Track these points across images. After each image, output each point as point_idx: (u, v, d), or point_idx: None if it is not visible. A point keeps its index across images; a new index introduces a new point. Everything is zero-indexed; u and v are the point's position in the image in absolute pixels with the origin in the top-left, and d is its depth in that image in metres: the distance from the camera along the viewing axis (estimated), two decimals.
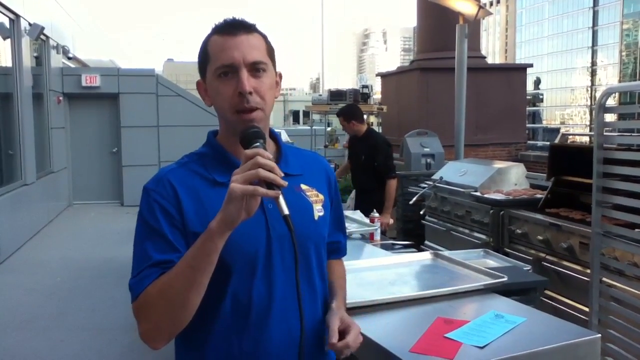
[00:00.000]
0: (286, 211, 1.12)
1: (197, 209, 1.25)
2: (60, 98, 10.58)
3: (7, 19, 7.78)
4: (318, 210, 1.37)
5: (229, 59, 1.25)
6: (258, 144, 1.18)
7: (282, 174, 1.12)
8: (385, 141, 5.24)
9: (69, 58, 11.32)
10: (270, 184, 1.11)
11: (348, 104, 5.73)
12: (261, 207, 1.22)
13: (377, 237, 3.33)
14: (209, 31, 1.33)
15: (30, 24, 8.43)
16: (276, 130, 1.47)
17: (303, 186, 1.37)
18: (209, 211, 1.21)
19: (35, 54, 9.37)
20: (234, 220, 1.12)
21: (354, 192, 5.41)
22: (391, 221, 3.55)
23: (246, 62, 1.26)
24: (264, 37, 1.33)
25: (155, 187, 1.28)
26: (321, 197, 1.40)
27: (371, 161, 5.00)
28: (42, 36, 9.14)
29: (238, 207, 1.10)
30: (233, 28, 1.28)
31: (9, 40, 7.89)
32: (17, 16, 7.99)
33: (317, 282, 1.37)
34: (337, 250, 1.56)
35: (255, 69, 1.27)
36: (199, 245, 1.14)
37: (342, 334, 1.32)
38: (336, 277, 1.53)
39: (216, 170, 1.30)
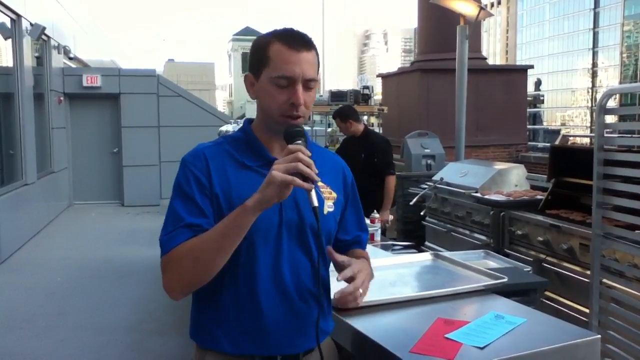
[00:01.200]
0: (316, 203, 1.31)
1: (223, 183, 1.42)
2: (61, 98, 10.58)
3: (9, 19, 7.78)
4: (329, 207, 1.53)
5: (290, 73, 1.40)
6: (300, 141, 1.35)
7: (317, 171, 1.30)
8: (384, 139, 5.30)
9: (70, 58, 11.33)
10: (305, 178, 1.27)
11: (342, 105, 5.78)
12: None
13: (378, 237, 3.33)
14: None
15: (31, 24, 8.44)
16: None
17: (319, 183, 1.50)
18: (233, 188, 1.41)
19: (36, 54, 9.37)
20: (269, 201, 1.29)
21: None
22: (391, 217, 3.55)
23: (303, 78, 1.41)
24: (317, 53, 1.48)
25: (192, 160, 1.45)
26: (334, 195, 1.57)
27: (371, 159, 5.03)
28: (43, 36, 9.15)
29: (275, 192, 1.28)
30: (298, 44, 1.41)
31: (10, 40, 7.90)
32: (19, 16, 7.99)
33: (315, 262, 1.50)
34: (359, 242, 1.74)
35: (308, 84, 1.43)
36: (234, 217, 1.32)
37: (352, 277, 1.55)
38: (362, 252, 1.73)
39: (246, 155, 1.47)
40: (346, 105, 6.06)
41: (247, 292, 1.43)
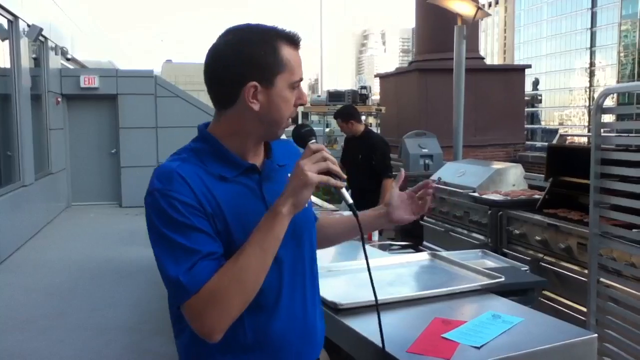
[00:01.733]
0: (350, 200, 1.30)
1: (210, 202, 1.25)
2: (59, 99, 10.57)
3: (6, 20, 7.77)
4: None
5: (301, 75, 1.34)
6: (314, 140, 1.31)
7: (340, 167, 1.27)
8: (382, 140, 5.29)
9: (68, 59, 11.30)
10: (334, 176, 1.24)
11: (344, 105, 5.80)
12: (263, 199, 1.31)
13: (375, 238, 3.33)
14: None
15: (28, 25, 8.43)
16: None
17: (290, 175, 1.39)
18: (221, 204, 1.25)
19: (33, 55, 9.36)
20: (303, 204, 1.24)
21: (349, 192, 5.44)
22: None
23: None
24: None
25: (169, 185, 1.23)
26: None
27: (369, 160, 5.04)
28: (40, 37, 9.13)
29: (310, 194, 1.24)
30: (299, 44, 1.35)
31: (7, 42, 7.89)
32: (16, 17, 7.98)
33: (314, 265, 1.47)
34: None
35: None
36: (268, 228, 1.21)
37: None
38: (331, 219, 1.71)
39: (219, 167, 1.30)
40: (348, 105, 6.08)
41: (248, 312, 1.27)
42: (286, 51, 1.30)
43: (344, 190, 1.29)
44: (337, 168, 1.24)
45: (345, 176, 1.27)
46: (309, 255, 1.43)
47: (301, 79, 1.34)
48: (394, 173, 5.31)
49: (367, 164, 5.03)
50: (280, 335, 1.33)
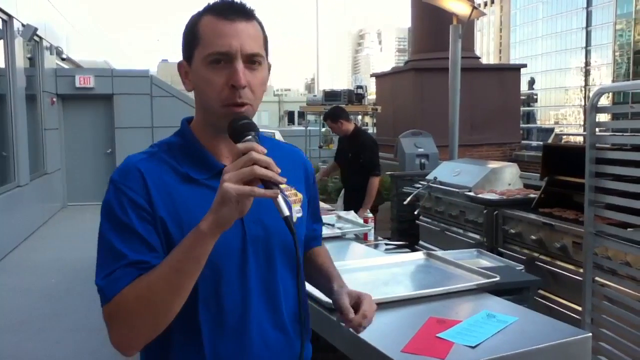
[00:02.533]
0: (286, 212, 1.02)
1: (167, 203, 1.14)
2: (54, 99, 10.54)
3: (0, 19, 7.75)
4: (297, 212, 1.30)
5: (225, 47, 1.13)
6: (250, 137, 1.07)
7: (279, 170, 1.02)
8: (371, 139, 5.40)
9: (63, 59, 11.30)
10: (266, 183, 1.01)
11: (332, 107, 5.90)
12: None
13: (371, 237, 3.33)
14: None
15: (23, 25, 8.40)
16: (270, 130, 1.44)
17: (283, 185, 1.29)
18: (179, 207, 1.13)
19: (28, 55, 9.33)
20: (228, 222, 1.02)
21: (343, 190, 5.49)
22: (369, 215, 3.54)
23: (243, 53, 1.14)
24: (261, 25, 1.22)
25: (124, 180, 1.15)
26: (300, 196, 1.33)
27: (357, 158, 5.12)
28: (35, 37, 9.11)
29: (233, 210, 1.00)
30: (232, 12, 1.15)
31: (1, 41, 7.86)
32: (10, 17, 7.96)
33: (288, 285, 1.27)
34: (316, 237, 1.51)
35: (251, 61, 1.16)
36: (187, 247, 1.04)
37: (356, 307, 1.29)
38: (324, 260, 1.50)
39: (188, 165, 1.19)
40: (335, 106, 6.15)
41: (210, 335, 1.17)
42: (205, 21, 1.16)
43: (279, 200, 1.01)
44: (268, 173, 1.00)
45: (283, 180, 1.02)
46: (285, 277, 1.25)
47: (219, 52, 1.13)
48: (389, 173, 5.34)
49: (356, 162, 5.11)
50: (248, 357, 1.19)
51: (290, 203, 1.25)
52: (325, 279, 1.44)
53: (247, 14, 1.17)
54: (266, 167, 1.01)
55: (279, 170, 1.02)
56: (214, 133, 1.20)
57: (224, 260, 1.15)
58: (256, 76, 1.17)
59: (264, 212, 1.12)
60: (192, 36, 1.17)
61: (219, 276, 1.16)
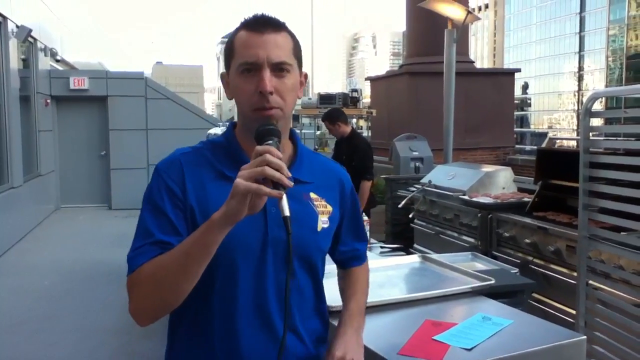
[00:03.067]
0: (287, 212, 1.10)
1: (199, 195, 1.26)
2: (48, 101, 10.50)
3: None
4: (323, 222, 1.35)
5: (253, 57, 1.24)
6: (271, 141, 1.16)
7: (290, 175, 1.10)
8: (365, 142, 5.51)
9: (57, 60, 11.25)
10: (276, 184, 1.09)
11: (331, 108, 5.97)
12: (264, 209, 1.18)
13: (365, 236, 3.33)
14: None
15: (17, 26, 8.38)
16: None
17: (312, 195, 1.35)
18: (210, 200, 1.23)
19: (22, 56, 9.30)
20: (236, 215, 1.10)
21: None
22: (365, 218, 3.54)
23: (270, 62, 1.24)
24: (292, 36, 1.32)
25: (166, 168, 1.29)
26: (329, 208, 1.38)
27: (350, 161, 5.24)
28: (29, 38, 9.08)
29: (241, 204, 1.09)
30: (261, 25, 1.27)
31: None
32: (4, 18, 7.93)
33: (306, 293, 1.35)
34: (357, 257, 1.56)
35: (278, 69, 1.26)
36: (199, 234, 1.14)
37: None
38: (353, 289, 1.53)
39: (225, 164, 1.30)
40: (334, 108, 6.22)
41: (222, 326, 1.26)
42: (239, 36, 1.29)
43: (284, 201, 1.10)
44: (277, 174, 1.08)
45: (290, 184, 1.10)
46: (305, 282, 1.34)
47: (247, 62, 1.24)
48: (383, 176, 5.35)
49: (349, 165, 5.11)
50: (252, 354, 1.26)
51: (317, 212, 1.35)
52: (342, 311, 1.49)
53: (275, 26, 1.28)
54: (277, 170, 1.08)
55: (290, 175, 1.10)
56: (248, 135, 1.27)
57: (241, 257, 1.24)
58: (284, 83, 1.27)
59: (296, 221, 1.16)
60: (229, 50, 1.31)
61: (236, 272, 1.25)
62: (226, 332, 1.26)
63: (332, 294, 2.00)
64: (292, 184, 1.11)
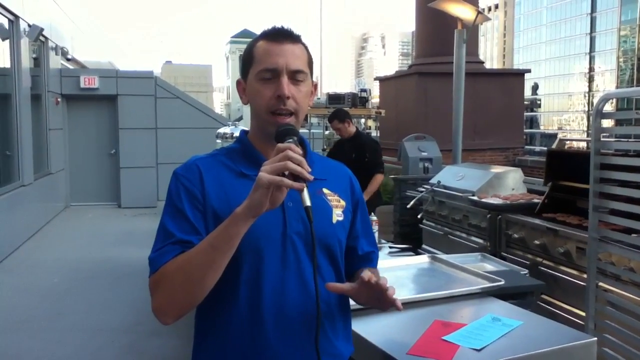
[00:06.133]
0: (308, 202, 1.17)
1: (220, 194, 1.33)
2: (59, 99, 10.57)
3: (7, 20, 7.78)
4: (337, 215, 1.43)
5: (273, 64, 1.34)
6: (291, 140, 1.25)
7: (310, 169, 1.18)
8: (373, 139, 5.83)
9: (68, 59, 11.31)
10: (296, 177, 1.16)
11: (337, 109, 6.19)
12: (281, 205, 1.25)
13: (375, 240, 3.33)
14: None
15: (29, 25, 8.44)
16: None
17: (325, 190, 1.43)
18: (231, 198, 1.29)
19: (34, 55, 9.36)
20: (259, 208, 1.17)
21: None
22: (374, 219, 3.53)
23: (288, 70, 1.35)
24: (307, 48, 1.43)
25: (184, 173, 1.36)
26: (342, 203, 1.46)
27: (362, 158, 5.43)
28: (41, 37, 9.14)
29: (264, 196, 1.15)
30: (280, 36, 1.38)
31: (7, 41, 7.89)
32: (17, 17, 7.99)
33: (328, 282, 1.38)
34: (371, 260, 1.59)
35: (295, 77, 1.36)
36: (223, 227, 1.20)
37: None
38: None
39: (243, 164, 1.39)
40: (339, 109, 6.42)
41: (249, 318, 1.31)
42: (259, 45, 1.39)
43: (305, 192, 1.18)
44: (298, 168, 1.16)
45: (311, 177, 1.17)
46: (327, 273, 1.38)
47: (267, 69, 1.35)
48: (392, 176, 5.38)
49: (360, 163, 5.36)
50: (277, 350, 1.31)
51: (332, 206, 1.43)
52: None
53: (293, 38, 1.39)
54: (298, 165, 1.16)
55: (309, 169, 1.18)
56: (264, 137, 1.38)
57: (265, 246, 1.31)
58: (300, 89, 1.37)
59: (313, 213, 1.19)
60: (249, 57, 1.40)
61: (261, 262, 1.31)
62: (252, 326, 1.31)
63: None
64: (312, 177, 1.18)
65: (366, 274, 1.33)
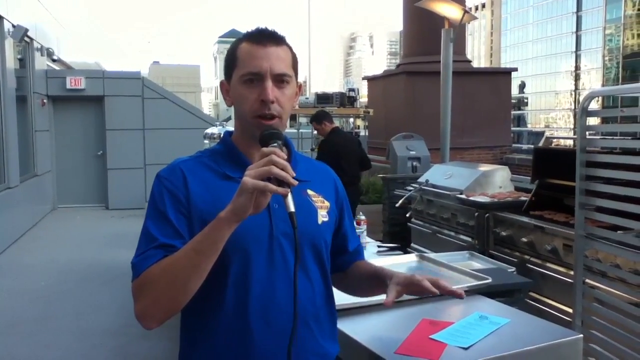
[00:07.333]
0: (292, 208, 1.17)
1: (205, 197, 1.32)
2: (45, 100, 10.48)
3: None
4: (322, 216, 1.43)
5: (257, 68, 1.33)
6: (275, 144, 1.24)
7: (294, 174, 1.17)
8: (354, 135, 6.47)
9: (54, 60, 11.21)
10: (281, 182, 1.15)
11: (317, 111, 6.69)
12: (267, 207, 1.25)
13: (363, 239, 3.33)
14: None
15: (13, 26, 8.35)
16: None
17: (309, 192, 1.44)
18: (216, 201, 1.27)
19: (19, 56, 9.28)
20: (243, 212, 1.17)
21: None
22: (362, 218, 3.51)
23: (272, 73, 1.33)
24: (291, 49, 1.41)
25: (168, 175, 1.35)
26: (327, 204, 1.46)
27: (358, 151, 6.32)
28: (26, 38, 9.05)
29: (248, 200, 1.15)
30: (264, 38, 1.36)
31: None
32: (0, 17, 7.91)
33: (315, 283, 1.40)
34: (359, 253, 1.65)
35: (279, 80, 1.35)
36: (207, 231, 1.19)
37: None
38: (367, 264, 1.62)
39: (227, 166, 1.38)
40: (319, 111, 6.83)
41: (236, 320, 1.30)
42: (242, 46, 1.37)
43: (289, 197, 1.17)
44: (282, 173, 1.15)
45: (295, 182, 1.17)
46: (314, 273, 1.39)
47: (251, 72, 1.33)
48: (381, 175, 5.40)
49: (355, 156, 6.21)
50: (264, 350, 1.31)
51: (316, 207, 1.43)
52: (375, 278, 1.54)
53: (277, 40, 1.37)
54: (282, 169, 1.16)
55: (294, 174, 1.18)
56: (248, 140, 1.37)
57: (253, 249, 1.30)
58: (284, 93, 1.36)
59: (298, 215, 1.19)
60: (232, 59, 1.39)
61: (248, 262, 1.30)
62: (239, 327, 1.30)
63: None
64: (297, 182, 1.18)
65: (424, 282, 1.43)
